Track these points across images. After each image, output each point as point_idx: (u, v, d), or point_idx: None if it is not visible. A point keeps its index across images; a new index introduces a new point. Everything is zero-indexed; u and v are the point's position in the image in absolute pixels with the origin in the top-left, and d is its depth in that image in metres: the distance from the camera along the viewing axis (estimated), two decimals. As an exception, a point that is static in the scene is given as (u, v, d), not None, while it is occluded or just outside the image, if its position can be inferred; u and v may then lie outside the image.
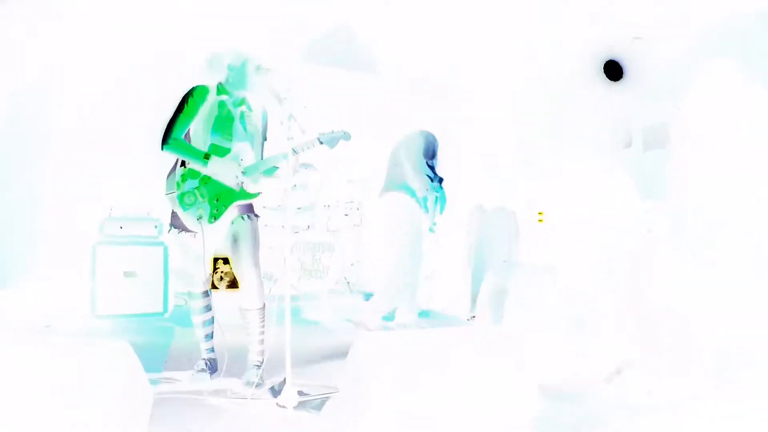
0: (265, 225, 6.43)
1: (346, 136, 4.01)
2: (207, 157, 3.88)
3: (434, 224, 5.63)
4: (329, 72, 6.42)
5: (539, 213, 6.29)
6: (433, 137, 5.70)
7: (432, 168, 5.57)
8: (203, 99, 3.93)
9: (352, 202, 7.49)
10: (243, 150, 4.02)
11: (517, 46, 6.02)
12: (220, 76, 4.03)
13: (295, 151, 3.86)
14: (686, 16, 5.38)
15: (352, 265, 7.32)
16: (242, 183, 3.99)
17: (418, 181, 5.56)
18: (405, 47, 6.19)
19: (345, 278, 7.19)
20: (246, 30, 5.11)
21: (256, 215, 4.15)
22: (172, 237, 4.09)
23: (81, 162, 5.79)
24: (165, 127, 3.88)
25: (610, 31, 5.86)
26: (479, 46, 6.01)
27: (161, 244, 5.92)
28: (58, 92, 5.56)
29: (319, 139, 3.94)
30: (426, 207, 5.55)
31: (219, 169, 3.92)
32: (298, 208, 6.97)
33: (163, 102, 4.00)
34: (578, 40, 5.93)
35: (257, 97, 4.12)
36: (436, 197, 5.56)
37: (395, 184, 5.65)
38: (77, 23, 5.25)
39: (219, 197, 3.96)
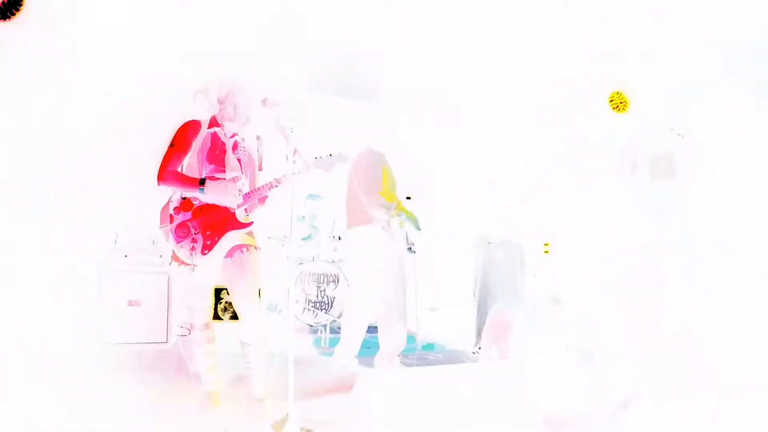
0: (269, 256, 6.40)
1: (343, 158, 4.01)
2: (202, 183, 3.89)
3: (411, 244, 5.26)
4: (333, 101, 6.44)
5: (545, 244, 6.26)
6: (374, 158, 5.28)
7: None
8: (195, 133, 3.98)
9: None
10: (237, 180, 4.03)
11: (522, 75, 6.04)
12: (212, 110, 4.06)
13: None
14: (692, 45, 5.40)
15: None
16: (242, 199, 3.98)
17: (376, 212, 5.13)
18: (410, 74, 6.21)
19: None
20: (250, 60, 5.13)
21: (257, 248, 4.14)
22: (175, 268, 4.09)
23: (86, 190, 5.79)
24: (159, 163, 3.93)
25: (616, 60, 5.88)
26: (485, 74, 6.03)
27: (165, 273, 5.90)
28: (63, 120, 5.58)
29: (315, 163, 3.94)
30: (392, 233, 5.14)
31: (216, 192, 3.92)
32: (303, 239, 6.96)
33: (169, 131, 4.04)
34: (584, 70, 5.95)
35: (253, 127, 4.15)
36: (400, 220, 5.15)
37: (358, 218, 5.24)
38: (82, 51, 5.29)
39: (211, 228, 3.96)
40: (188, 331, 5.48)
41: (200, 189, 3.91)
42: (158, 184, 3.93)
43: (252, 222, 4.10)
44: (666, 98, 5.89)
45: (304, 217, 6.88)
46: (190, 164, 4.00)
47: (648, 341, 5.17)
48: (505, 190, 5.93)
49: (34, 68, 5.24)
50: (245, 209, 4.04)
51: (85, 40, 5.19)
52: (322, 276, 6.87)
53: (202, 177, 3.95)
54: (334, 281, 6.87)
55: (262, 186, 4.05)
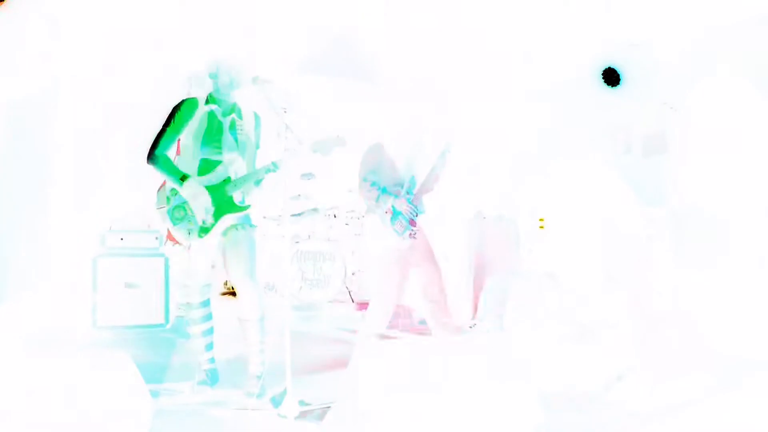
0: (264, 235, 6.42)
1: (341, 142, 4.03)
2: (183, 179, 3.89)
3: (402, 233, 5.22)
4: (328, 82, 6.43)
5: (540, 219, 6.28)
6: (369, 149, 5.05)
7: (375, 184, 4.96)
8: (191, 112, 3.97)
9: (353, 211, 7.48)
10: (234, 161, 4.04)
11: (515, 53, 6.03)
12: (207, 88, 4.07)
13: (276, 166, 3.89)
14: (684, 22, 5.40)
15: (353, 274, 7.31)
16: (209, 219, 3.97)
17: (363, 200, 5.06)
18: (404, 55, 6.20)
19: (346, 288, 7.18)
20: (244, 40, 5.12)
21: (252, 225, 4.15)
22: (170, 249, 4.11)
23: (81, 174, 5.80)
24: (152, 140, 3.94)
25: (608, 38, 5.87)
26: (478, 53, 6.02)
27: (162, 255, 5.92)
28: (58, 105, 5.57)
29: (313, 147, 3.96)
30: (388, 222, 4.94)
31: (190, 196, 3.93)
32: (298, 216, 6.97)
33: (163, 114, 4.05)
34: (576, 47, 5.94)
35: (249, 105, 4.15)
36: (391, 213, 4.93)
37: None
38: (76, 35, 5.27)
39: (208, 210, 3.97)
40: (185, 312, 5.51)
41: (179, 183, 3.90)
42: (147, 163, 3.94)
43: (249, 206, 4.11)
44: (659, 74, 5.89)
45: (299, 195, 6.89)
46: (186, 145, 3.99)
47: (641, 317, 5.20)
48: (499, 166, 5.94)
49: (28, 53, 5.23)
50: (241, 192, 4.06)
51: (78, 23, 5.18)
52: (318, 254, 6.91)
53: (198, 161, 3.96)
54: (330, 259, 6.91)
55: (257, 170, 4.07)
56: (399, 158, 4.96)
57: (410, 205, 5.00)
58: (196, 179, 3.93)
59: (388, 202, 4.88)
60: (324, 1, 5.59)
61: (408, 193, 5.01)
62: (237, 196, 4.04)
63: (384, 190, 4.91)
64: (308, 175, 6.91)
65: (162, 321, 5.85)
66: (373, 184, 4.88)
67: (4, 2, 4.90)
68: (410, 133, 5.03)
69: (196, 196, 3.91)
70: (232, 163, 4.04)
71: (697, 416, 3.76)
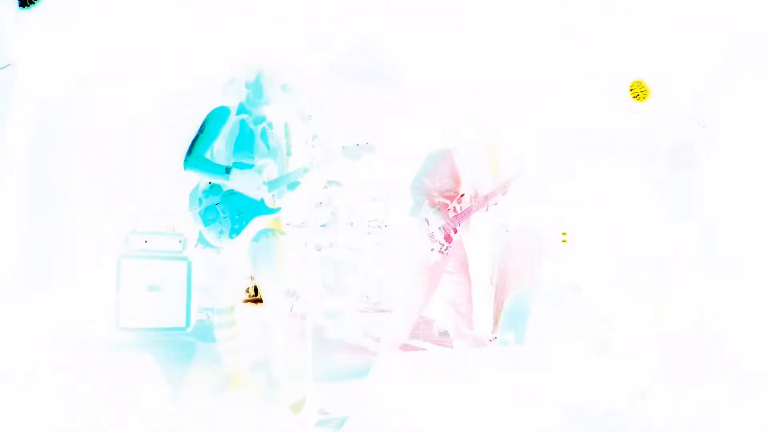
0: (288, 243, 6.43)
1: (371, 149, 4.04)
2: (228, 170, 3.94)
3: (438, 247, 4.89)
4: (353, 88, 6.45)
5: (563, 233, 6.24)
6: (436, 153, 5.10)
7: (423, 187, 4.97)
8: (224, 120, 4.04)
9: (375, 220, 7.49)
10: (266, 165, 4.08)
11: (541, 63, 6.02)
12: (240, 97, 4.11)
13: (306, 170, 3.92)
14: (711, 34, 5.37)
15: (374, 283, 7.31)
16: (265, 194, 4.03)
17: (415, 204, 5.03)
18: (429, 62, 6.21)
19: (367, 296, 7.19)
20: (269, 47, 5.16)
21: (282, 232, 4.18)
22: (198, 252, 4.14)
23: (106, 176, 5.85)
24: (187, 147, 4.00)
25: (635, 51, 5.85)
26: (504, 62, 6.02)
27: (185, 258, 5.95)
28: (84, 106, 5.63)
29: (342, 153, 3.97)
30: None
31: (241, 181, 3.98)
32: (322, 226, 6.99)
33: (189, 118, 4.10)
34: (603, 59, 5.92)
35: (279, 113, 4.20)
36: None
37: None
38: (104, 38, 5.34)
39: (240, 212, 4.01)
40: (207, 316, 5.55)
41: (226, 176, 3.96)
42: (184, 169, 3.99)
43: (279, 208, 4.16)
44: (687, 87, 5.85)
45: (321, 203, 6.91)
46: (219, 150, 4.05)
47: (666, 332, 5.16)
48: (523, 178, 5.91)
49: (56, 55, 5.29)
50: (272, 194, 4.12)
51: (107, 25, 5.24)
52: (339, 262, 6.91)
53: (229, 165, 4.00)
54: (351, 267, 6.92)
55: (291, 173, 4.09)
56: (464, 171, 4.96)
57: (450, 220, 4.90)
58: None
59: (428, 215, 4.84)
60: (348, 7, 5.62)
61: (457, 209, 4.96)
62: (268, 199, 4.10)
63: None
64: (334, 183, 6.93)
65: (183, 324, 5.88)
66: (418, 187, 4.92)
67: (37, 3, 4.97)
68: (480, 147, 5.04)
69: (247, 178, 3.99)
70: (264, 167, 4.09)
71: (718, 429, 3.73)
